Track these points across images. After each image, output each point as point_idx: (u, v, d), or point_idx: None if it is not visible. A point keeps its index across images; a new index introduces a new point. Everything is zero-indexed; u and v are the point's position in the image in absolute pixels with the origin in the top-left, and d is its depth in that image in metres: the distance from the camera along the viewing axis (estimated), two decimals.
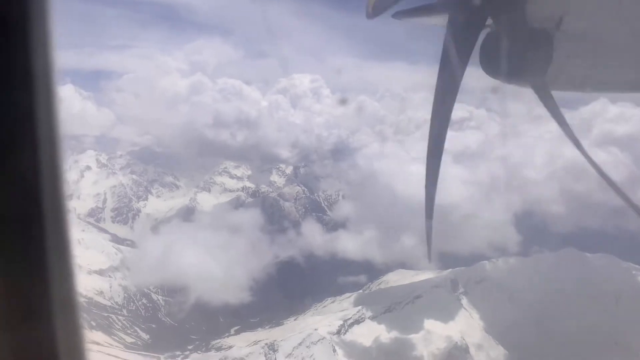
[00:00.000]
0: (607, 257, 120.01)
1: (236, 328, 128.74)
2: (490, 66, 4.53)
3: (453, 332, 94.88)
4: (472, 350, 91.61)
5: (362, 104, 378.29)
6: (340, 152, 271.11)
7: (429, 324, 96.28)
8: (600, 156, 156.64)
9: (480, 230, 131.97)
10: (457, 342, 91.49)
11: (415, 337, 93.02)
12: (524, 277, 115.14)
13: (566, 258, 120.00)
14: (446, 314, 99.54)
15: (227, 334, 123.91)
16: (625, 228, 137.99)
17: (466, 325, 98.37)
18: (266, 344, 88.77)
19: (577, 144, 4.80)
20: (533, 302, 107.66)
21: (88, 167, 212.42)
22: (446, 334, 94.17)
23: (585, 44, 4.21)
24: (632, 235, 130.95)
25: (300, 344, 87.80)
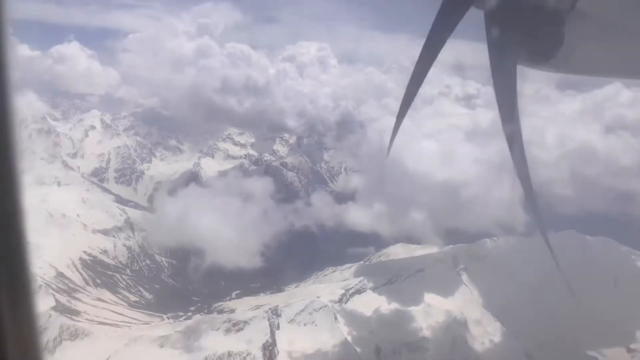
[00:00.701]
0: (607, 240, 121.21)
1: (237, 292, 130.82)
2: (497, 43, 4.41)
3: (452, 307, 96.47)
4: (470, 325, 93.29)
5: (370, 76, 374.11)
6: (346, 124, 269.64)
7: (429, 297, 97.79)
8: (611, 141, 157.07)
9: (488, 208, 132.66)
10: (456, 317, 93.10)
11: (415, 310, 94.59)
12: (523, 256, 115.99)
13: (567, 239, 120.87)
14: (446, 289, 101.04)
15: (228, 298, 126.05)
16: (628, 213, 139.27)
17: (465, 300, 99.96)
18: (270, 308, 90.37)
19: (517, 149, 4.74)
20: (532, 281, 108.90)
21: (92, 127, 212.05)
22: (445, 308, 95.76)
23: (600, 26, 3.99)
24: (634, 220, 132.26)
25: (302, 311, 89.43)
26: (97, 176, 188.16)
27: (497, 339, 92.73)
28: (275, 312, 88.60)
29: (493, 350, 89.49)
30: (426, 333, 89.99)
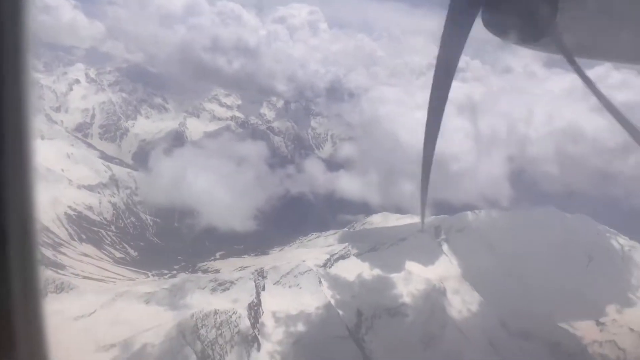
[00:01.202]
0: (584, 218, 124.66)
1: (221, 253, 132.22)
2: (490, 21, 4.38)
3: (432, 276, 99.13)
4: (449, 293, 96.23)
5: (360, 43, 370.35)
6: (335, 91, 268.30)
7: (411, 265, 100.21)
8: (598, 121, 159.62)
9: (474, 182, 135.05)
10: (435, 285, 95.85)
11: (396, 277, 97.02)
12: (503, 230, 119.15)
13: (546, 216, 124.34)
14: (427, 258, 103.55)
15: (212, 258, 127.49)
16: (608, 193, 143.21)
17: (445, 270, 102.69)
18: (256, 270, 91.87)
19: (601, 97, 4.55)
20: (509, 254, 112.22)
21: (77, 81, 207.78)
22: (426, 277, 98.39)
23: (593, 7, 4.01)
24: (613, 200, 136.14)
25: (288, 273, 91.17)
26: (81, 131, 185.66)
27: (474, 307, 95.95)
28: (261, 273, 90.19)
29: (470, 318, 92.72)
30: (406, 299, 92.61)
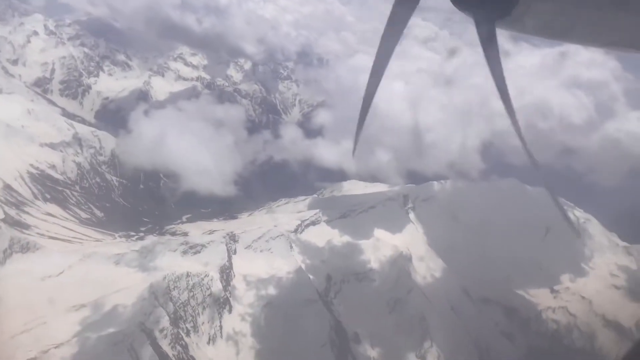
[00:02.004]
0: (544, 191, 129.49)
1: (188, 216, 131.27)
2: None
3: (399, 243, 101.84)
4: (414, 260, 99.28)
5: (330, 6, 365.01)
6: (304, 55, 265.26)
7: (379, 232, 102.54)
8: (566, 98, 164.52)
9: (446, 153, 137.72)
10: (402, 252, 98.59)
11: (364, 243, 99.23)
12: (467, 200, 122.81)
13: (508, 187, 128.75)
14: (395, 226, 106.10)
15: (179, 221, 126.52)
16: (571, 167, 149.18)
17: (412, 237, 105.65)
18: (227, 234, 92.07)
19: (506, 97, 4.65)
20: (472, 223, 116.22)
21: (35, 33, 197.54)
22: (393, 243, 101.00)
23: None
24: (575, 175, 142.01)
25: (259, 238, 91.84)
26: (40, 86, 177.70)
27: (437, 274, 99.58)
28: (233, 237, 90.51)
29: (434, 284, 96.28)
30: (374, 265, 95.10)
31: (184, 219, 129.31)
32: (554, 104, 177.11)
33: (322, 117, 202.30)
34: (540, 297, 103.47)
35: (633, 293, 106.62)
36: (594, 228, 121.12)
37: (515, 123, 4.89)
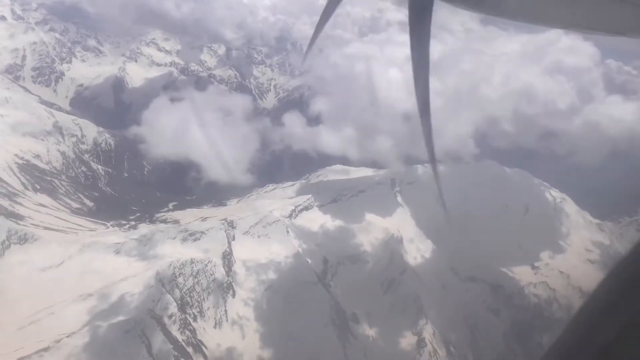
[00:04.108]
0: (522, 173, 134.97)
1: (174, 204, 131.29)
2: None
3: (390, 225, 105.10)
4: (405, 242, 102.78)
5: None
6: (280, 40, 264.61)
7: (370, 216, 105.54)
8: (548, 84, 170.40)
9: (440, 138, 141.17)
10: (393, 234, 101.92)
11: (356, 227, 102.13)
12: (449, 182, 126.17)
13: (487, 169, 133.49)
14: (385, 209, 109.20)
15: (166, 209, 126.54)
16: (552, 150, 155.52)
17: (401, 220, 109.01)
18: (225, 220, 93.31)
19: (423, 89, 4.15)
20: (456, 205, 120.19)
21: (3, 17, 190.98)
22: (384, 226, 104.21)
23: None
24: (554, 157, 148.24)
25: (257, 224, 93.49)
26: (12, 73, 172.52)
27: (427, 255, 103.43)
28: (231, 224, 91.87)
29: (424, 264, 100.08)
30: (367, 248, 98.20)
31: (170, 206, 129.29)
32: (537, 89, 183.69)
33: (300, 102, 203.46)
34: (522, 273, 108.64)
35: (607, 267, 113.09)
36: (570, 207, 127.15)
37: (427, 112, 4.24)
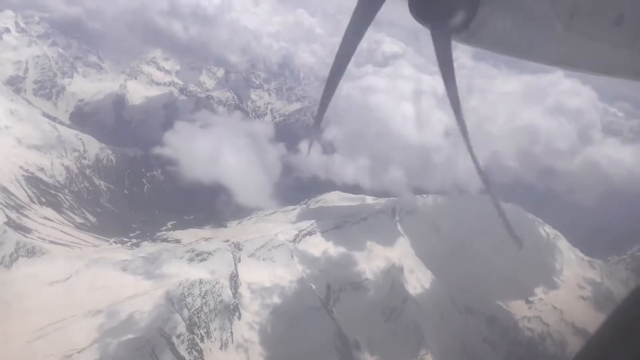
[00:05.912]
0: (516, 208, 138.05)
1: (173, 222, 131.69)
2: (413, 6, 4.20)
3: (391, 254, 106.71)
4: (406, 271, 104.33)
5: (300, 18, 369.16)
6: (281, 65, 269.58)
7: (371, 244, 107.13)
8: (551, 124, 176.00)
9: (448, 171, 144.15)
10: (394, 263, 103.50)
11: (358, 254, 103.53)
12: (446, 214, 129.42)
13: (483, 203, 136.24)
14: (386, 237, 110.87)
15: (165, 227, 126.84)
16: (551, 187, 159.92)
17: (402, 249, 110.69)
18: (233, 242, 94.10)
19: (457, 110, 4.55)
20: (453, 237, 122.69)
21: (7, 30, 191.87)
22: (385, 255, 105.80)
23: (512, 4, 4.03)
24: (551, 195, 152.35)
25: (262, 247, 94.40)
26: (13, 85, 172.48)
27: (427, 285, 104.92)
28: (237, 246, 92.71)
29: (425, 294, 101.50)
30: (369, 276, 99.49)
31: (169, 225, 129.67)
32: (538, 128, 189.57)
33: (295, 127, 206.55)
34: (517, 307, 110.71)
35: (598, 303, 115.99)
36: (562, 243, 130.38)
37: (467, 139, 4.67)
